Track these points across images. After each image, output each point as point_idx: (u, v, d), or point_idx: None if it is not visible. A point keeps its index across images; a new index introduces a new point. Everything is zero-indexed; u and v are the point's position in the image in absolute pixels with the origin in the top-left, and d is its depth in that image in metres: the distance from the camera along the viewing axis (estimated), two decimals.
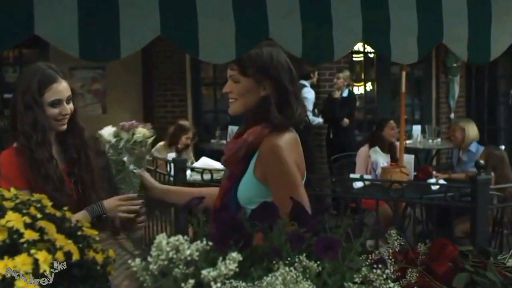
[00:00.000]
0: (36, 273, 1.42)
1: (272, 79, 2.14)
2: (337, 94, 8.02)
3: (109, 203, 2.44)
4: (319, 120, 8.23)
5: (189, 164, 6.11)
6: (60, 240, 1.51)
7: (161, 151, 6.69)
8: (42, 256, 1.43)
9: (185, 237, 1.31)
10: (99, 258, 1.59)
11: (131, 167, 2.45)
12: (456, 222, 5.24)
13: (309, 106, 7.70)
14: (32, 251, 1.43)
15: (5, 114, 8.84)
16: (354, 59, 9.24)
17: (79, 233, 1.62)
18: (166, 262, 1.27)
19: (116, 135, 2.42)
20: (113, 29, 2.01)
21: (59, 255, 1.47)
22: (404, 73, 5.76)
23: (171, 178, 5.73)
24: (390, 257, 1.90)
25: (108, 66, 8.72)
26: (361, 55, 9.41)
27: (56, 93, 2.43)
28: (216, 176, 5.67)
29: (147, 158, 2.53)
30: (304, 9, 2.22)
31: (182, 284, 1.26)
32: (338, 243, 1.68)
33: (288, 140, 2.12)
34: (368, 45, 2.32)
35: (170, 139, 6.73)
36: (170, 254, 1.26)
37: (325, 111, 8.14)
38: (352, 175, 6.17)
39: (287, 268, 1.47)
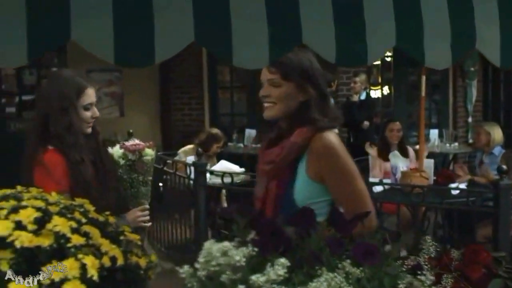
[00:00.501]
0: (83, 277, 1.43)
1: (313, 84, 2.20)
2: (355, 98, 8.02)
3: (130, 215, 2.69)
4: None
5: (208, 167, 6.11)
6: (106, 245, 1.52)
7: (189, 154, 6.73)
8: (89, 261, 1.44)
9: (232, 243, 1.33)
10: (142, 262, 1.60)
11: (140, 178, 2.72)
12: (476, 227, 5.22)
13: None
14: (80, 255, 1.45)
15: (24, 116, 8.90)
16: None
17: (121, 237, 1.64)
18: (217, 268, 1.28)
19: (124, 156, 2.69)
20: (148, 35, 2.03)
21: (106, 259, 1.49)
22: (424, 78, 5.73)
23: (191, 181, 5.76)
24: (426, 263, 1.90)
25: (125, 69, 8.74)
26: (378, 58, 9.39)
27: (89, 97, 2.60)
28: (236, 179, 5.69)
29: (152, 169, 2.81)
30: (337, 15, 2.22)
31: None
32: (378, 248, 1.68)
33: (338, 138, 2.17)
34: (402, 50, 2.30)
35: (201, 146, 6.76)
36: (221, 260, 1.27)
37: (344, 115, 8.10)
38: (371, 179, 6.16)
39: (330, 274, 1.48)
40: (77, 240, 1.47)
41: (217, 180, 5.77)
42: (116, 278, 1.53)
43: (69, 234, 1.48)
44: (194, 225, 5.83)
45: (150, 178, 2.79)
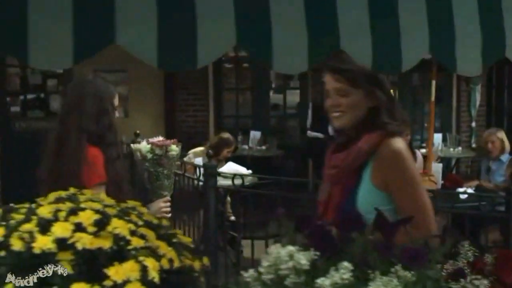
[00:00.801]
0: (143, 279, 1.45)
1: (382, 88, 2.17)
2: None
3: (154, 206, 2.85)
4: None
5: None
6: (163, 247, 1.54)
7: (198, 155, 6.76)
8: (150, 263, 1.46)
9: (296, 247, 1.35)
10: (197, 265, 1.62)
11: (165, 172, 2.90)
12: (483, 232, 5.26)
13: None
14: (141, 258, 1.47)
15: (29, 115, 8.92)
16: None
17: (174, 240, 1.66)
18: (286, 272, 1.30)
19: (151, 151, 2.86)
20: (191, 40, 2.06)
21: (164, 262, 1.51)
22: (434, 82, 5.76)
23: (200, 183, 5.77)
24: (465, 268, 1.92)
25: (130, 70, 8.75)
26: None
27: (117, 101, 2.87)
28: (246, 181, 5.71)
29: (176, 164, 3.08)
30: (373, 22, 2.26)
31: None
32: (425, 253, 1.71)
33: (405, 145, 2.15)
34: (434, 57, 2.35)
35: (212, 150, 6.80)
36: (290, 264, 1.30)
37: None
38: None
39: (385, 277, 1.50)
40: (137, 242, 1.49)
41: (224, 182, 5.79)
42: (172, 280, 1.54)
43: (128, 237, 1.50)
44: (202, 226, 5.84)
45: (173, 171, 3.02)
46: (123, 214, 1.59)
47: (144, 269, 1.46)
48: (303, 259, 1.33)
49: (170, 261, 1.53)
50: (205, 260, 1.68)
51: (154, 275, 1.45)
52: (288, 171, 8.86)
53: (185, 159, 6.69)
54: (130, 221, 1.56)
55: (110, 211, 1.57)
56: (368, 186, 2.13)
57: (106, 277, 1.43)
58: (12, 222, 1.55)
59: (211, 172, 5.66)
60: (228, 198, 6.64)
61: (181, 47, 2.07)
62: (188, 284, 1.61)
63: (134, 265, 1.46)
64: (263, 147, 8.70)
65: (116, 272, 1.43)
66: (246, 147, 8.57)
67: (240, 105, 9.63)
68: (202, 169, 5.75)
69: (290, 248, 1.34)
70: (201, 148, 6.98)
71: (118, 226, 1.51)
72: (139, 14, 2.00)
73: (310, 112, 8.15)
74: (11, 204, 1.66)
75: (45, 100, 9.12)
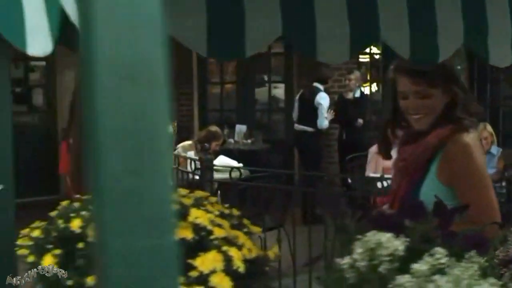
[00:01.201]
0: (228, 270, 1.44)
1: (458, 83, 2.17)
2: (349, 95, 8.05)
3: None
4: (327, 123, 8.13)
5: None
6: (241, 237, 1.54)
7: (187, 149, 6.72)
8: (235, 253, 1.46)
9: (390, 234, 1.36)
10: (271, 254, 1.62)
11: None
12: None
13: (324, 113, 7.70)
14: (224, 248, 1.46)
15: (12, 109, 8.75)
16: (360, 60, 9.27)
17: (245, 229, 1.65)
18: (387, 258, 1.31)
19: None
20: (239, 30, 2.05)
21: (246, 251, 1.50)
22: None
23: (196, 177, 5.73)
24: None
25: None
26: (367, 56, 9.45)
27: None
28: (236, 174, 5.70)
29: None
30: (411, 13, 2.27)
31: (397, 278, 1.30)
32: (487, 240, 1.73)
33: (476, 140, 2.14)
34: (468, 48, 2.39)
35: (200, 143, 6.78)
36: (390, 250, 1.30)
37: (338, 112, 8.09)
38: (372, 175, 6.22)
39: (463, 264, 1.52)
40: (218, 232, 1.48)
41: (216, 176, 5.77)
42: (251, 270, 1.54)
43: (209, 226, 1.49)
44: None
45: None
46: (199, 204, 1.58)
47: (227, 259, 1.45)
48: (401, 245, 1.34)
49: (249, 250, 1.53)
50: (276, 250, 1.68)
51: (239, 265, 1.45)
52: (274, 164, 8.87)
53: (174, 153, 6.65)
54: (207, 211, 1.54)
55: (186, 201, 1.56)
56: (432, 180, 2.11)
57: (191, 268, 1.42)
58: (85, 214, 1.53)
59: (207, 165, 5.64)
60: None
61: (230, 36, 2.05)
62: (262, 274, 1.60)
63: (216, 255, 1.45)
64: (249, 141, 8.70)
65: (202, 262, 1.42)
66: (232, 140, 8.57)
67: (225, 99, 9.59)
68: (196, 163, 5.74)
69: (388, 235, 1.35)
70: (189, 142, 6.95)
71: (199, 216, 1.50)
72: (189, 3, 1.99)
73: (296, 105, 8.13)
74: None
75: (27, 94, 8.96)
